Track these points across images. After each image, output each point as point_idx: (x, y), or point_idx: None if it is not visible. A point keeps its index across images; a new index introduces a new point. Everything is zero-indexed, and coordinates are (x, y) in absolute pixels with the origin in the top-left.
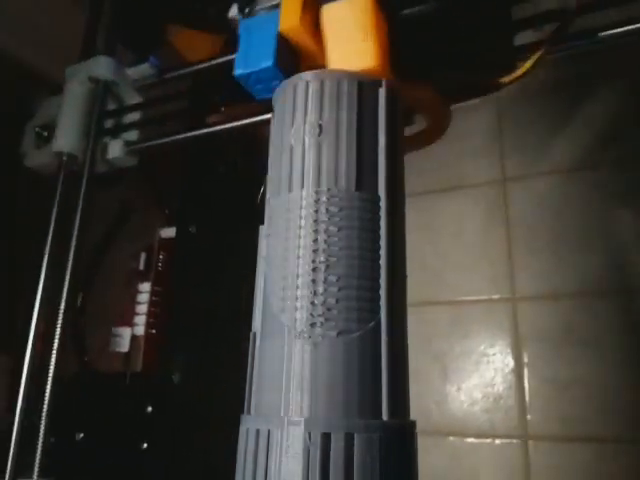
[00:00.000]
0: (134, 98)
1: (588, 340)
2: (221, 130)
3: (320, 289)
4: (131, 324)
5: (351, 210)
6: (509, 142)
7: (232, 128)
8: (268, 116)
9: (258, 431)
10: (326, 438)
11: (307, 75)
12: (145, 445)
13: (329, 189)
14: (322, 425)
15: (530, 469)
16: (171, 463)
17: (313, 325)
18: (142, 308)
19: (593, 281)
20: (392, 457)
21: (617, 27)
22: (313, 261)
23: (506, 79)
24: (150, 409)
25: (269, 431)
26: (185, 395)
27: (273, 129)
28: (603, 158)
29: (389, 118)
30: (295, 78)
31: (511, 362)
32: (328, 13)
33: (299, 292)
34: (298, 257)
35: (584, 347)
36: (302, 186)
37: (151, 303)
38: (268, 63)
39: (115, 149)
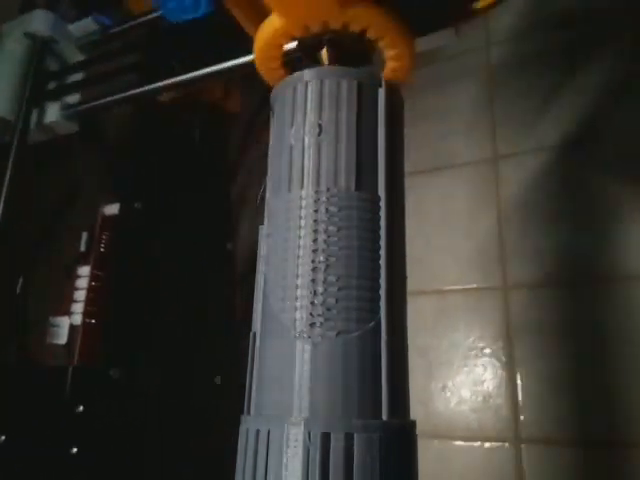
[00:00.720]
0: (76, 57)
1: (587, 332)
2: (170, 85)
3: (320, 289)
4: (69, 313)
5: (351, 210)
6: (501, 117)
7: (184, 82)
8: (230, 64)
9: (258, 431)
10: (326, 438)
11: (307, 75)
12: (75, 450)
13: (329, 189)
14: (322, 425)
15: (523, 474)
16: (104, 470)
17: (313, 325)
18: (81, 294)
19: (592, 267)
20: (392, 457)
21: None
22: (313, 261)
23: (478, 5)
24: (81, 409)
25: (269, 431)
26: (124, 393)
27: (273, 129)
28: (601, 134)
29: (389, 118)
30: (295, 78)
31: (502, 357)
32: None
33: (299, 292)
34: (298, 257)
35: (582, 340)
36: (302, 186)
37: (90, 289)
38: None
39: (52, 113)
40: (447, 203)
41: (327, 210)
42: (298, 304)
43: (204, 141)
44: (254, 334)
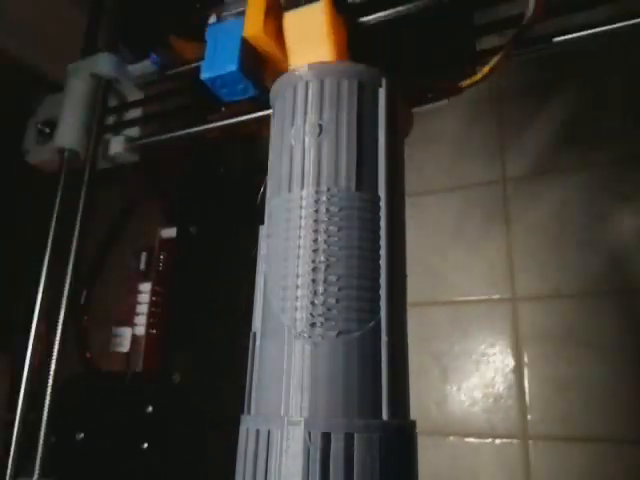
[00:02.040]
0: (135, 95)
1: (589, 340)
2: (220, 127)
3: (320, 289)
4: (132, 324)
5: (351, 210)
6: (509, 141)
7: (231, 124)
8: (266, 112)
9: (258, 431)
10: (326, 438)
11: (307, 75)
12: (146, 445)
13: (329, 189)
14: (322, 425)
15: (530, 469)
16: (171, 463)
17: (313, 325)
18: (143, 308)
19: (593, 281)
20: (392, 457)
21: (571, 32)
22: (313, 261)
23: (465, 83)
24: (150, 409)
25: (269, 431)
26: (185, 395)
27: (273, 129)
28: (603, 157)
29: (389, 118)
30: (295, 78)
31: (511, 362)
32: (288, 20)
33: (299, 292)
34: (298, 257)
35: (585, 347)
36: (302, 186)
37: (152, 303)
38: (232, 67)
39: (116, 145)
40: (461, 221)
41: (327, 210)
42: (298, 304)
43: (243, 169)
44: (254, 334)
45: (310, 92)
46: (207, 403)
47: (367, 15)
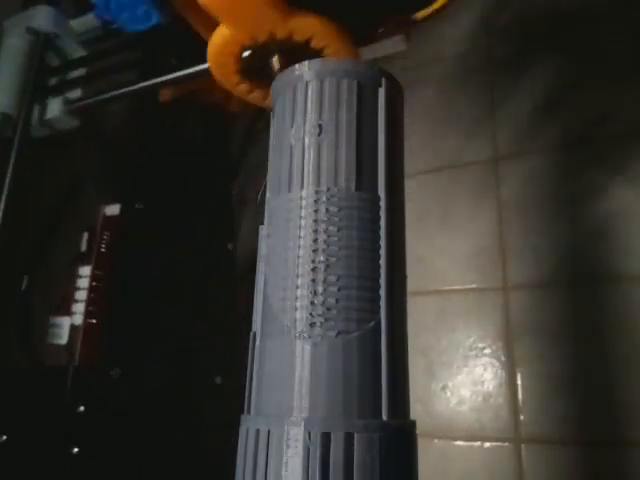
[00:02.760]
0: (78, 52)
1: (587, 333)
2: (169, 80)
3: (320, 289)
4: (70, 313)
5: (351, 210)
6: (502, 118)
7: (182, 77)
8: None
9: (258, 431)
10: (326, 438)
11: (307, 74)
12: (76, 449)
13: (329, 189)
14: (322, 425)
15: (523, 474)
16: (105, 470)
17: (313, 325)
18: (82, 294)
19: (592, 267)
20: (392, 457)
21: None
22: (313, 261)
23: (420, 14)
24: (82, 409)
25: (269, 431)
26: (125, 393)
27: (273, 129)
28: (600, 134)
29: (389, 118)
30: (295, 78)
31: (502, 357)
32: None
33: (299, 292)
34: (298, 257)
35: (582, 341)
36: (302, 186)
37: (91, 289)
38: None
39: (54, 108)
40: (447, 203)
41: (327, 210)
42: (298, 304)
43: (205, 141)
44: (254, 334)
45: (310, 92)
46: (150, 401)
47: None
